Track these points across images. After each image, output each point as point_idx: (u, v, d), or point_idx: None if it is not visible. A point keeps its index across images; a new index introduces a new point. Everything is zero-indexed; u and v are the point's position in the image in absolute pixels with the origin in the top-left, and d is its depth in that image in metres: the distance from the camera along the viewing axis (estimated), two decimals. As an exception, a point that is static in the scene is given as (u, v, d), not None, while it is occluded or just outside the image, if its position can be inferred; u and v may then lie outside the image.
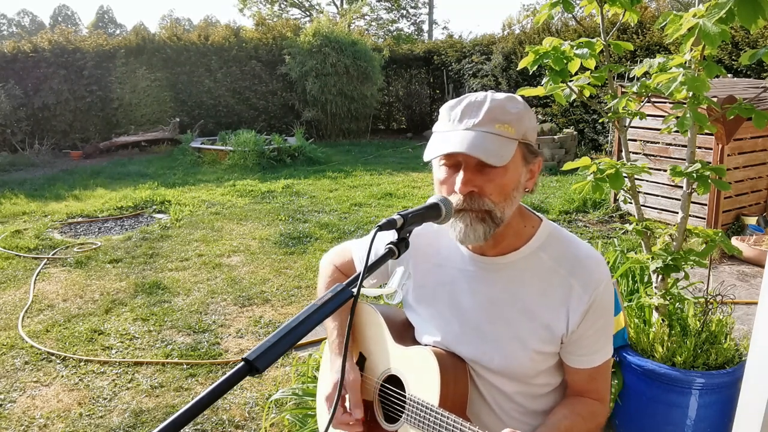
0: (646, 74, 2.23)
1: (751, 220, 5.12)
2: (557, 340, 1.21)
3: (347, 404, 1.32)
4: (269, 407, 2.72)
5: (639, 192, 2.50)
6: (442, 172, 1.17)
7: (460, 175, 1.11)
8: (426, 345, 1.32)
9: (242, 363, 0.77)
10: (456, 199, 1.13)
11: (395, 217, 1.01)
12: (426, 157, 1.15)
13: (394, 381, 1.32)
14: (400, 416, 1.28)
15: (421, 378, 1.25)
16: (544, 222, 1.27)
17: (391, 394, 1.32)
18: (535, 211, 1.30)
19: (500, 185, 1.13)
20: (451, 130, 1.13)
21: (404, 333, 1.39)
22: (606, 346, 1.24)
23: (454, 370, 1.24)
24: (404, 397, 1.27)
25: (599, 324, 1.20)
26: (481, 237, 1.15)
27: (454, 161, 1.14)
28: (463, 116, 1.13)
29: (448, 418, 1.14)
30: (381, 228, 0.99)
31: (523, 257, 1.23)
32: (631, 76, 5.19)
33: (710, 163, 3.38)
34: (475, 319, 1.25)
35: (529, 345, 1.21)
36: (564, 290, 1.19)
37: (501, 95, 1.17)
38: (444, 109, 1.18)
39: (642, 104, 2.33)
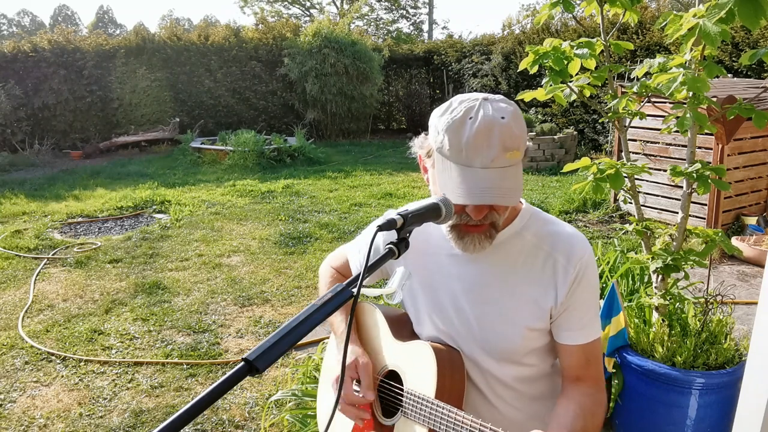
0: (646, 74, 2.23)
1: (751, 220, 5.12)
2: (547, 315, 1.24)
3: (362, 387, 1.32)
4: (269, 407, 2.72)
5: (639, 192, 2.50)
6: None
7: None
8: (425, 339, 1.34)
9: (242, 363, 0.77)
10: (465, 219, 1.17)
11: (395, 217, 1.02)
12: (455, 200, 1.11)
13: (393, 376, 1.34)
14: (398, 410, 1.29)
15: (418, 371, 1.26)
16: (525, 204, 1.31)
17: (389, 389, 1.33)
18: None
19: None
20: (468, 166, 1.11)
21: (403, 329, 1.41)
22: (593, 322, 1.27)
23: (451, 363, 1.26)
24: (402, 391, 1.28)
25: (584, 297, 1.24)
26: (486, 247, 1.21)
27: None
28: (477, 150, 1.10)
29: (443, 408, 1.16)
30: (381, 228, 1.00)
31: (508, 237, 1.27)
32: (631, 76, 5.19)
33: (710, 163, 3.38)
34: (467, 301, 1.28)
35: (520, 322, 1.24)
36: (549, 266, 1.23)
37: (505, 110, 1.12)
38: (449, 132, 1.12)
39: (642, 104, 2.33)
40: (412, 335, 1.40)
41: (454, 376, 1.26)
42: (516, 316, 1.24)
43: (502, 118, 1.11)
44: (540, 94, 2.25)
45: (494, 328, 1.26)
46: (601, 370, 1.32)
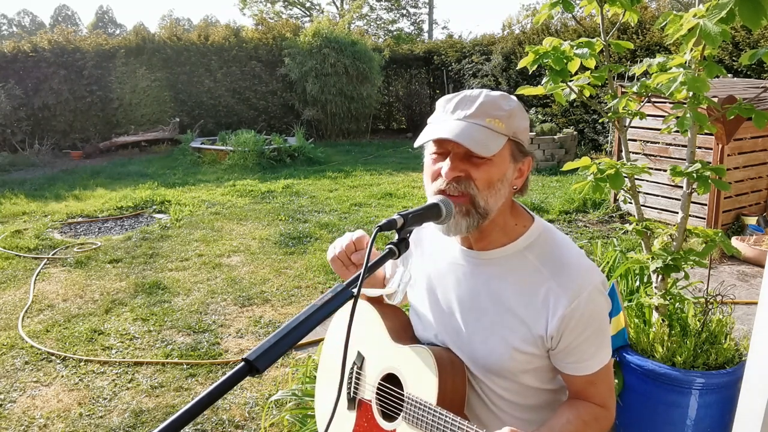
0: (646, 74, 2.23)
1: (751, 220, 5.12)
2: (538, 342, 1.19)
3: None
4: (269, 407, 2.72)
5: (639, 192, 2.50)
6: (431, 159, 1.20)
7: (447, 161, 1.15)
8: (425, 343, 1.33)
9: (242, 363, 0.77)
10: (440, 182, 1.16)
11: (395, 217, 1.02)
12: (416, 143, 1.19)
13: (393, 380, 1.33)
14: (398, 415, 1.28)
15: (419, 377, 1.25)
16: (536, 222, 1.26)
17: (389, 392, 1.32)
18: (530, 211, 1.30)
19: (486, 173, 1.15)
20: (443, 120, 1.17)
21: (402, 332, 1.40)
22: (599, 353, 1.21)
23: (452, 369, 1.25)
24: (402, 395, 1.27)
25: (587, 333, 1.17)
26: (463, 230, 1.17)
27: (444, 150, 1.17)
28: (457, 108, 1.17)
29: (446, 416, 1.15)
30: (381, 228, 1.00)
31: (509, 255, 1.23)
32: (631, 75, 5.19)
33: (710, 163, 3.38)
34: (459, 312, 1.26)
35: (510, 343, 1.20)
36: (544, 291, 1.17)
37: (496, 93, 1.19)
38: (440, 102, 1.22)
39: (642, 104, 2.33)
40: (412, 338, 1.38)
41: (455, 382, 1.24)
42: (504, 336, 1.20)
43: (492, 94, 1.18)
44: (539, 90, 2.26)
45: (482, 343, 1.22)
46: (610, 391, 1.25)
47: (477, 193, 1.14)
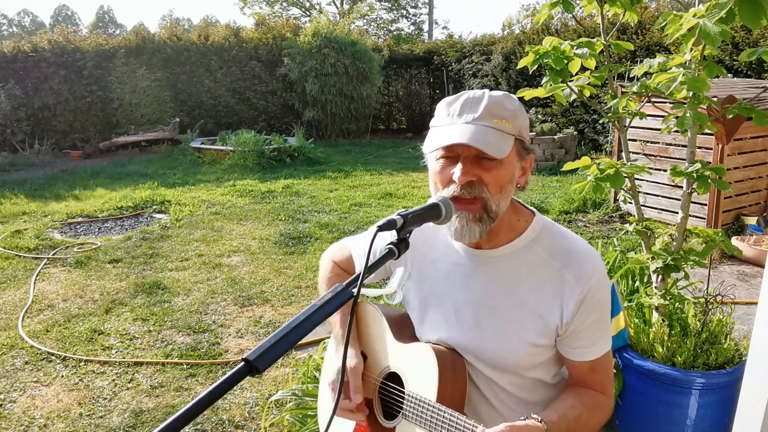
0: (646, 74, 2.23)
1: (751, 220, 5.12)
2: (552, 333, 1.22)
3: (350, 389, 1.33)
4: (269, 407, 2.72)
5: (639, 192, 2.50)
6: (439, 164, 1.18)
7: (459, 166, 1.13)
8: (426, 342, 1.33)
9: (242, 363, 0.77)
10: (453, 188, 1.14)
11: (395, 217, 1.02)
12: (426, 149, 1.17)
13: (395, 378, 1.33)
14: (399, 412, 1.28)
15: (419, 374, 1.26)
16: (536, 216, 1.28)
17: (390, 391, 1.33)
18: (527, 205, 1.32)
19: (497, 177, 1.15)
20: (451, 124, 1.16)
21: (405, 331, 1.40)
22: (602, 339, 1.25)
23: (453, 366, 1.25)
24: (403, 393, 1.28)
25: (593, 317, 1.21)
26: (477, 236, 1.17)
27: (452, 154, 1.16)
28: (463, 111, 1.15)
29: (444, 412, 1.16)
30: (381, 228, 1.00)
31: (517, 250, 1.24)
32: (631, 76, 5.17)
33: (710, 163, 3.38)
34: (469, 312, 1.26)
35: (525, 337, 1.22)
36: (557, 282, 1.20)
37: (497, 93, 1.19)
38: (442, 105, 1.20)
39: (642, 104, 2.33)
40: (414, 337, 1.39)
41: (455, 379, 1.25)
42: (519, 331, 1.22)
43: (495, 95, 1.17)
44: (540, 92, 2.26)
45: (495, 341, 1.24)
46: (609, 379, 1.28)
47: (490, 197, 1.15)
